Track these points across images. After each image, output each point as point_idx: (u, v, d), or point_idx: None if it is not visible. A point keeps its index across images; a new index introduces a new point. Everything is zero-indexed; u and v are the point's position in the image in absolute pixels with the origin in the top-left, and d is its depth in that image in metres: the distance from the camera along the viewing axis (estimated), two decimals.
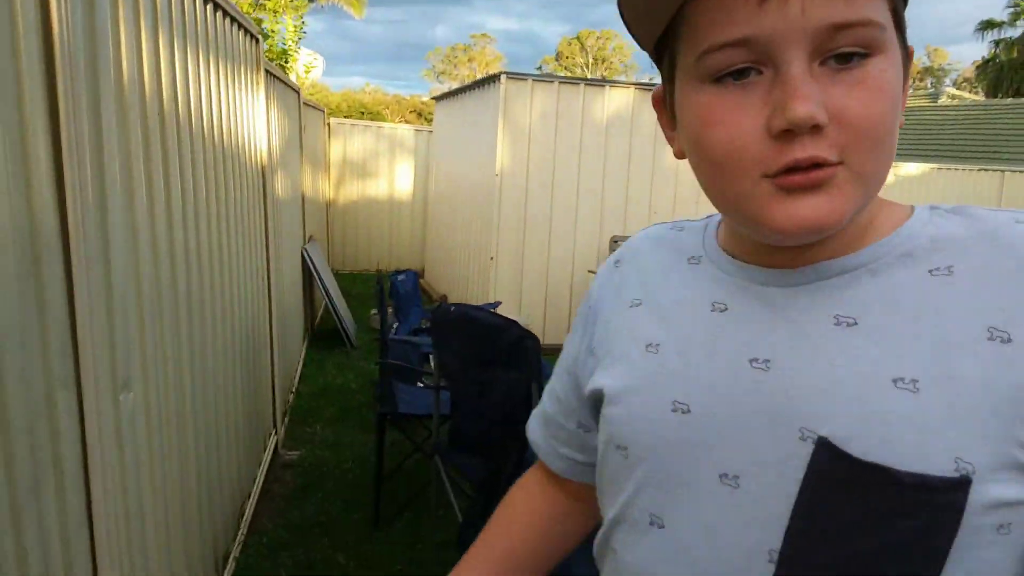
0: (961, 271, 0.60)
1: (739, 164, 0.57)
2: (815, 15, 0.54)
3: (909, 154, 15.23)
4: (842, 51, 0.55)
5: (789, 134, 0.55)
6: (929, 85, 40.51)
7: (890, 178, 8.62)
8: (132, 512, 1.79)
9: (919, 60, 48.66)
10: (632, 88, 6.88)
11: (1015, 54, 29.57)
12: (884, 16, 0.56)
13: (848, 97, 0.55)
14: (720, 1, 0.56)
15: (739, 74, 0.57)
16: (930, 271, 0.61)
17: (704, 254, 0.74)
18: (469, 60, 50.00)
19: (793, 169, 0.56)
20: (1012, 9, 30.32)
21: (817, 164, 0.55)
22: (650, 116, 6.60)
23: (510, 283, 6.62)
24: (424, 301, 7.32)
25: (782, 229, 0.58)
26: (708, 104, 0.59)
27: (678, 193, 6.91)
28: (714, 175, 0.60)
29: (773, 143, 0.56)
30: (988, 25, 30.85)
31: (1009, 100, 21.33)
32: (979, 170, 12.38)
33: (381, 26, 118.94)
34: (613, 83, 6.91)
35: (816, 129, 0.54)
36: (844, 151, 0.55)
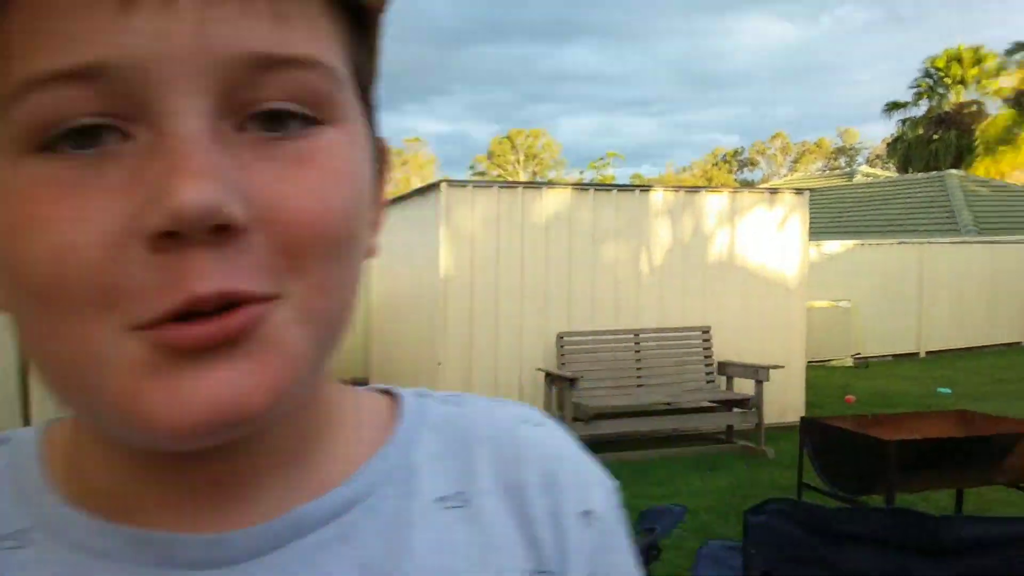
0: (477, 498, 0.43)
1: (79, 301, 0.31)
2: (222, 36, 0.31)
3: (828, 232, 16.04)
4: (271, 108, 0.32)
5: (174, 242, 0.30)
6: (843, 164, 42.92)
7: (814, 255, 9.00)
8: None
9: (832, 141, 51.59)
10: (569, 189, 7.23)
11: (920, 131, 31.74)
12: (340, 67, 0.35)
13: (284, 181, 0.32)
14: (49, 3, 0.30)
15: (84, 137, 0.31)
16: (441, 499, 0.42)
17: (33, 524, 0.38)
18: (403, 163, 51.24)
19: (191, 313, 0.30)
20: (915, 90, 32.73)
21: (232, 302, 0.31)
22: (589, 214, 6.92)
23: (459, 387, 6.70)
24: None
25: (164, 426, 0.31)
26: (25, 191, 0.31)
27: (619, 291, 7.10)
28: (36, 322, 0.32)
29: (147, 260, 0.30)
30: (894, 106, 33.18)
31: (920, 174, 22.75)
32: (898, 243, 13.13)
33: None
34: (550, 184, 7.26)
35: (225, 234, 0.30)
36: (281, 275, 0.32)
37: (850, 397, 8.66)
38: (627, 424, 6.33)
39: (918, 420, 4.65)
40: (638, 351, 6.83)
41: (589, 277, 7.01)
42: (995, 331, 13.27)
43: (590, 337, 6.67)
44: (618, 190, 7.44)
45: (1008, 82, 28.02)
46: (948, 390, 9.26)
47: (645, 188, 7.67)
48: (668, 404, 6.55)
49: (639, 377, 6.76)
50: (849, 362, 11.60)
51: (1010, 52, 28.95)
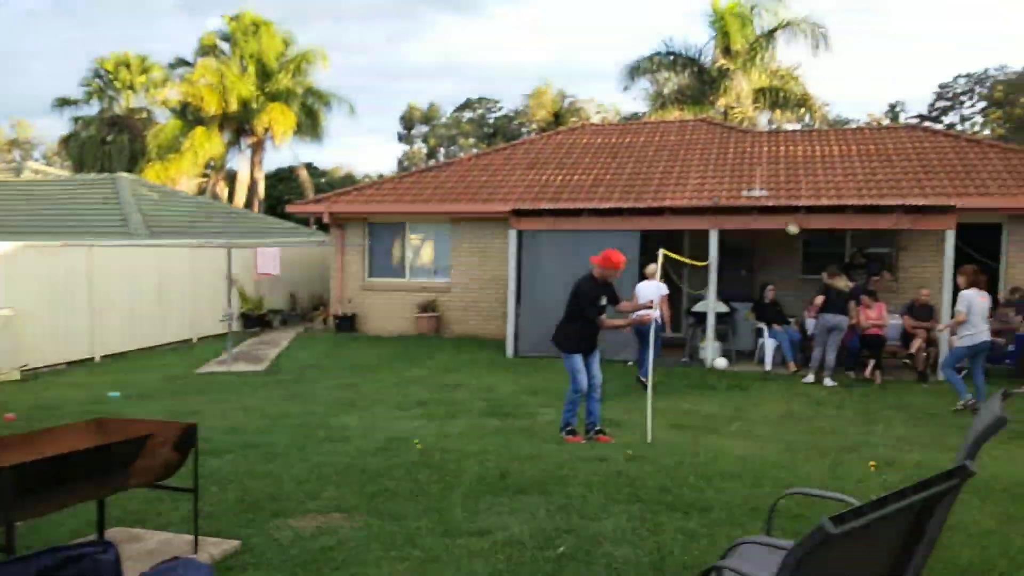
0: None
1: None
2: None
3: None
4: None
5: None
6: (17, 158, 39.58)
7: None
8: None
9: (5, 132, 46.95)
10: None
11: (94, 131, 31.44)
12: None
13: None
14: None
15: None
16: None
17: None
18: None
19: None
20: (87, 88, 32.13)
21: None
22: None
23: None
24: None
25: None
26: None
27: None
28: None
29: None
30: (64, 102, 31.92)
31: (92, 175, 22.52)
32: (64, 245, 12.64)
33: None
34: None
35: None
36: None
37: (10, 415, 7.88)
38: None
39: (54, 436, 4.43)
40: None
41: None
42: (166, 331, 14.09)
43: None
44: None
45: (174, 94, 30.06)
46: (117, 394, 9.33)
47: None
48: None
49: None
50: (16, 375, 10.63)
51: (173, 66, 31.24)
